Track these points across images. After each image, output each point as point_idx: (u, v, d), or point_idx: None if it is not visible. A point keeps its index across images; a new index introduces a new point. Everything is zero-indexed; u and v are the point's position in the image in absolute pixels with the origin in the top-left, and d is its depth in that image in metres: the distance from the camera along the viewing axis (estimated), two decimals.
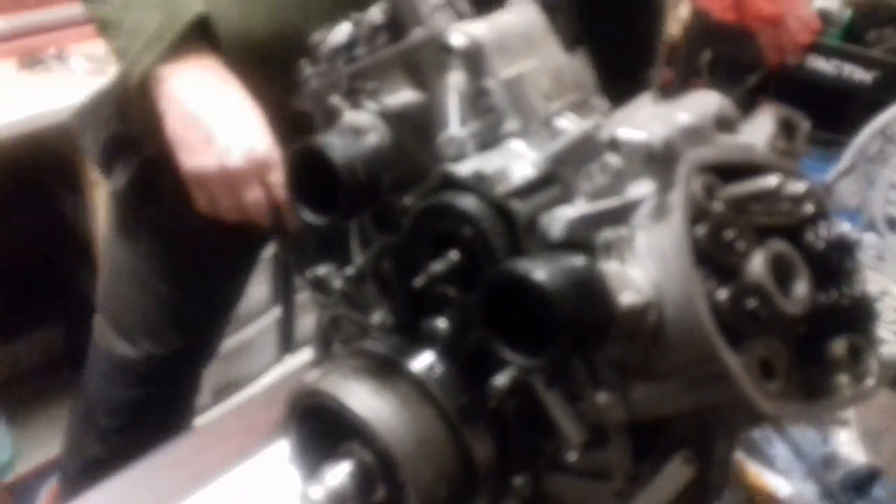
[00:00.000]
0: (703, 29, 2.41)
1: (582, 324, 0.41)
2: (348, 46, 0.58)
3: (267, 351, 2.11)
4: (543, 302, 0.40)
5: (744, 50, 2.31)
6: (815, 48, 2.23)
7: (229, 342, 1.79)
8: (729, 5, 2.29)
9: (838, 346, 0.47)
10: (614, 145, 0.45)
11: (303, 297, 2.16)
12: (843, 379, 0.46)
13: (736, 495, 0.82)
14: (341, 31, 0.59)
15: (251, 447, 0.80)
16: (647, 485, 0.57)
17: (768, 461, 0.88)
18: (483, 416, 0.54)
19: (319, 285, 0.68)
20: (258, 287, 1.96)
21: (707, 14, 2.35)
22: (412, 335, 0.58)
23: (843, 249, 0.48)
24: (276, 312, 2.08)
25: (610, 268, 0.43)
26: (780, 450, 0.89)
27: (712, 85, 2.46)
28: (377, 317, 0.61)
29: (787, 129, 0.51)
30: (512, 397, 0.52)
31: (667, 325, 0.43)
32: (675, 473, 0.61)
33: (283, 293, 2.08)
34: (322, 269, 0.67)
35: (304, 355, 2.16)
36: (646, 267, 0.44)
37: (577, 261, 0.43)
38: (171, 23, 0.78)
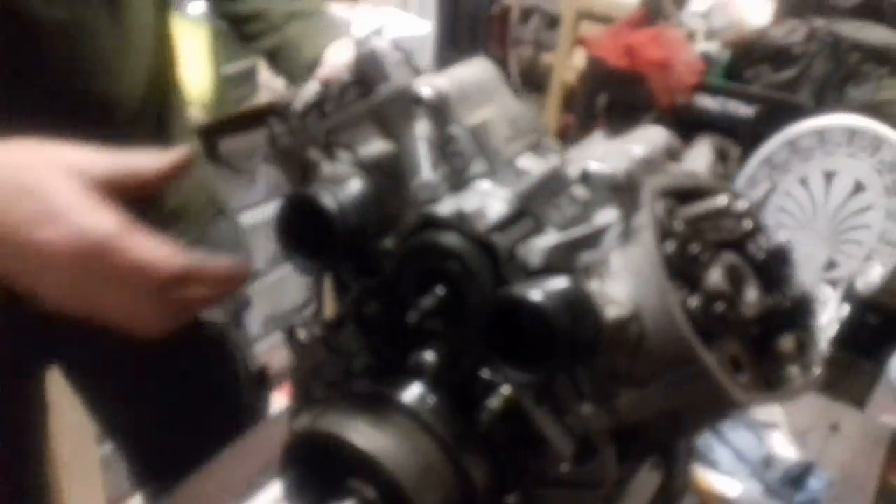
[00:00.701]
0: (599, 75, 2.58)
1: (576, 338, 0.46)
2: (319, 103, 0.62)
3: None
4: (542, 319, 0.45)
5: (637, 92, 2.48)
6: (701, 87, 2.42)
7: None
8: (621, 53, 2.46)
9: (786, 342, 0.53)
10: (585, 178, 0.50)
11: None
12: (793, 370, 0.53)
13: (690, 501, 0.88)
14: (310, 90, 0.63)
15: None
16: (626, 490, 0.62)
17: (713, 465, 0.94)
18: (476, 440, 0.57)
19: (293, 335, 0.70)
20: None
21: (601, 61, 2.52)
22: (398, 373, 0.61)
23: (781, 258, 0.55)
24: None
25: (592, 287, 0.48)
26: (722, 454, 0.96)
27: (610, 126, 2.63)
28: (361, 359, 0.64)
29: (722, 156, 0.58)
30: (502, 420, 0.56)
31: (648, 334, 0.48)
32: (646, 480, 0.66)
33: None
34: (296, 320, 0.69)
35: None
36: (623, 283, 0.49)
37: (564, 282, 0.47)
38: None
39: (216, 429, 0.98)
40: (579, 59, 2.91)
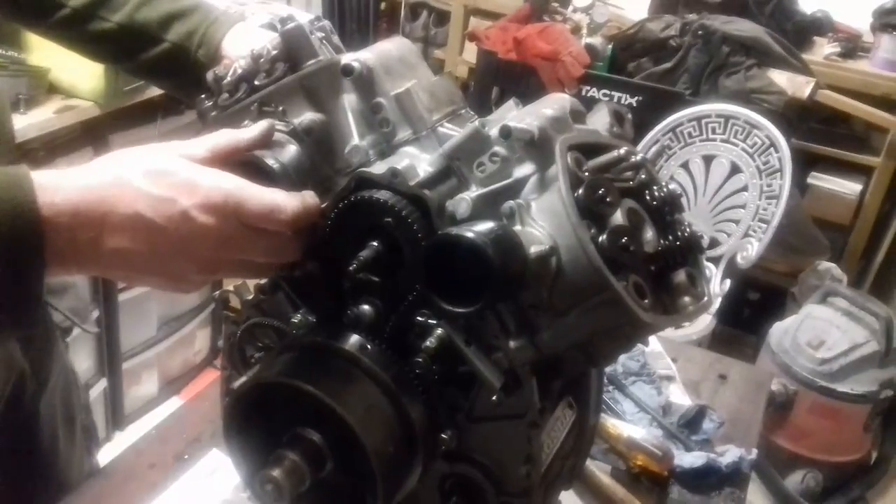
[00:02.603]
0: (490, 69, 2.70)
1: (506, 271, 0.53)
2: (248, 77, 0.67)
3: None
4: (477, 255, 0.52)
5: (527, 84, 2.62)
6: (588, 79, 2.59)
7: None
8: (511, 47, 2.59)
9: (679, 276, 0.63)
10: (506, 134, 0.58)
11: (131, 365, 2.10)
12: (686, 300, 0.63)
13: (600, 446, 0.98)
14: (241, 64, 0.68)
15: (159, 482, 0.83)
16: (546, 421, 0.70)
17: (619, 415, 1.05)
18: (412, 383, 0.64)
19: (225, 303, 0.75)
20: (82, 360, 1.89)
21: (492, 55, 2.65)
22: (334, 327, 0.67)
23: (672, 204, 0.65)
24: (102, 385, 2.00)
25: (515, 229, 0.56)
26: (626, 405, 1.07)
27: None
28: (298, 317, 0.69)
29: (617, 118, 0.67)
30: (435, 361, 0.63)
31: (564, 268, 0.56)
32: (562, 416, 0.75)
33: (109, 364, 2.00)
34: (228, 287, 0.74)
35: (136, 431, 2.09)
36: (541, 226, 0.57)
37: (492, 224, 0.55)
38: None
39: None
40: (469, 53, 3.04)
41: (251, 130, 0.63)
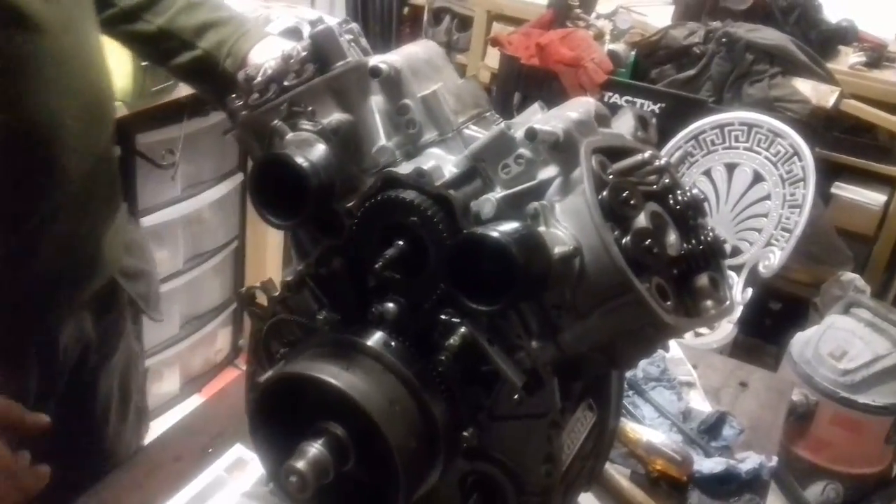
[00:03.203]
0: (513, 74, 2.71)
1: (530, 271, 0.54)
2: (279, 78, 0.69)
3: None
4: (502, 254, 0.53)
5: (549, 90, 2.63)
6: (610, 85, 2.59)
7: None
8: (533, 53, 2.60)
9: (702, 280, 0.64)
10: (531, 136, 0.59)
11: (154, 362, 2.12)
12: (708, 303, 0.63)
13: (619, 450, 0.98)
14: (271, 65, 0.69)
15: (184, 474, 0.85)
16: (567, 422, 0.71)
17: (638, 420, 1.05)
18: (435, 380, 0.65)
19: (251, 299, 0.76)
20: None
21: (515, 61, 2.65)
22: (358, 324, 0.68)
23: (696, 208, 0.65)
24: None
25: (540, 230, 0.57)
26: (646, 410, 1.08)
27: None
28: (323, 314, 0.70)
29: (642, 123, 0.68)
30: (458, 359, 0.64)
31: (587, 269, 0.57)
32: (582, 417, 0.75)
33: None
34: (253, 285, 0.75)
35: (157, 428, 2.13)
36: (565, 227, 0.58)
37: (517, 224, 0.56)
38: None
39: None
40: (491, 59, 3.05)
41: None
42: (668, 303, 0.58)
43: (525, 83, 2.66)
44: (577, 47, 2.53)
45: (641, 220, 0.59)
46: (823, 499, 2.16)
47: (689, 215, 0.65)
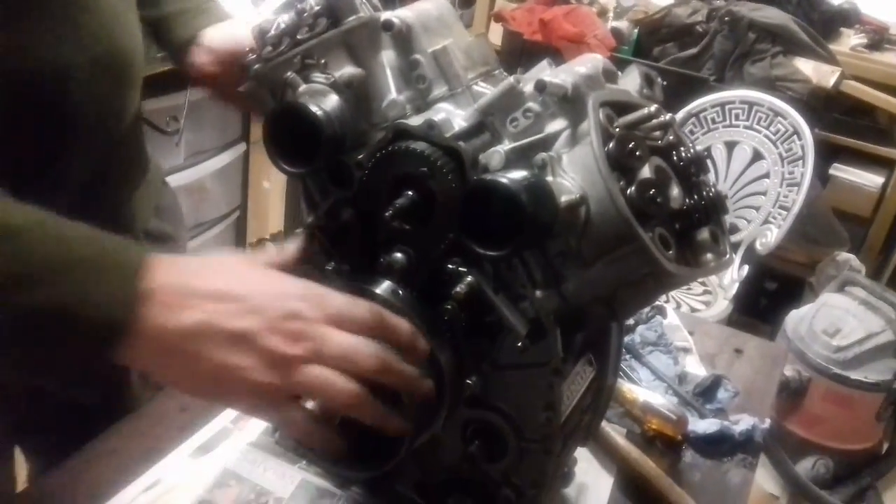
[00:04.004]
0: (515, 50, 2.71)
1: (538, 217, 0.56)
2: (292, 32, 0.70)
3: None
4: (511, 200, 0.55)
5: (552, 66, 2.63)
6: (612, 62, 2.58)
7: None
8: (536, 29, 2.61)
9: (703, 234, 0.65)
10: (540, 88, 0.61)
11: None
12: (709, 256, 0.65)
13: (616, 410, 1.01)
14: (284, 19, 0.70)
15: (188, 425, 0.87)
16: (567, 373, 0.73)
17: (635, 383, 1.07)
18: (442, 328, 0.67)
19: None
20: None
21: (518, 36, 2.66)
22: (368, 274, 0.70)
23: (698, 165, 0.67)
24: None
25: (547, 179, 0.59)
26: (643, 373, 1.10)
27: None
28: (332, 265, 0.72)
29: (648, 81, 0.70)
30: (464, 308, 0.66)
31: (593, 218, 0.59)
32: (582, 371, 0.77)
33: None
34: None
35: None
36: (572, 177, 0.59)
37: (525, 173, 0.58)
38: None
39: None
40: (495, 35, 3.05)
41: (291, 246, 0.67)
42: (670, 252, 0.60)
43: (528, 59, 2.67)
44: (581, 24, 2.54)
45: (646, 171, 0.61)
46: (814, 473, 2.20)
47: (692, 171, 0.67)
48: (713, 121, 2.37)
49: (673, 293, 2.23)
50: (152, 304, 0.55)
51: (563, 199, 0.58)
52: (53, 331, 0.53)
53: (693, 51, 2.65)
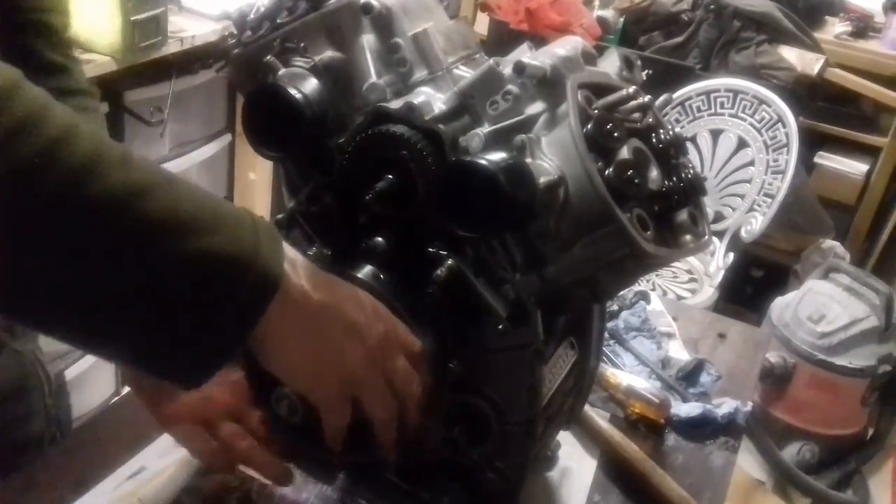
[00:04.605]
0: (501, 39, 2.71)
1: (517, 198, 0.56)
2: (272, 15, 0.70)
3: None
4: (490, 182, 0.55)
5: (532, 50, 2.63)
6: (598, 52, 2.59)
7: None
8: (523, 18, 2.60)
9: (682, 216, 0.66)
10: (519, 70, 0.61)
11: None
12: (687, 238, 0.65)
13: (599, 394, 1.01)
14: (264, 3, 0.70)
15: None
16: (549, 355, 0.73)
17: (619, 368, 1.08)
18: (424, 312, 0.67)
19: None
20: None
21: (504, 26, 2.65)
22: (348, 259, 0.70)
23: (677, 147, 0.67)
24: None
25: (527, 160, 0.59)
26: (626, 358, 1.10)
27: None
28: (314, 250, 0.72)
29: (627, 63, 0.70)
30: (446, 292, 0.66)
31: (571, 198, 0.59)
32: (564, 355, 0.78)
33: None
34: None
35: None
36: (550, 159, 0.60)
37: (504, 154, 0.58)
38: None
39: None
40: (481, 25, 3.04)
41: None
42: (648, 233, 0.60)
43: (514, 48, 2.67)
44: (567, 13, 2.54)
45: (624, 153, 0.61)
46: (799, 459, 2.22)
47: (671, 154, 0.67)
48: (698, 109, 2.38)
49: (658, 281, 2.24)
50: (294, 272, 0.55)
51: (542, 180, 0.58)
52: (219, 279, 0.50)
53: (679, 39, 2.65)
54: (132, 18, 1.62)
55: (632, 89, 0.64)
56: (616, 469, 0.90)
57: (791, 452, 2.24)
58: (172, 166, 2.05)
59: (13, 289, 0.47)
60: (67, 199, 0.46)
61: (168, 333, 0.50)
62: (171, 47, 1.80)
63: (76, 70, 0.87)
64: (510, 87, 0.63)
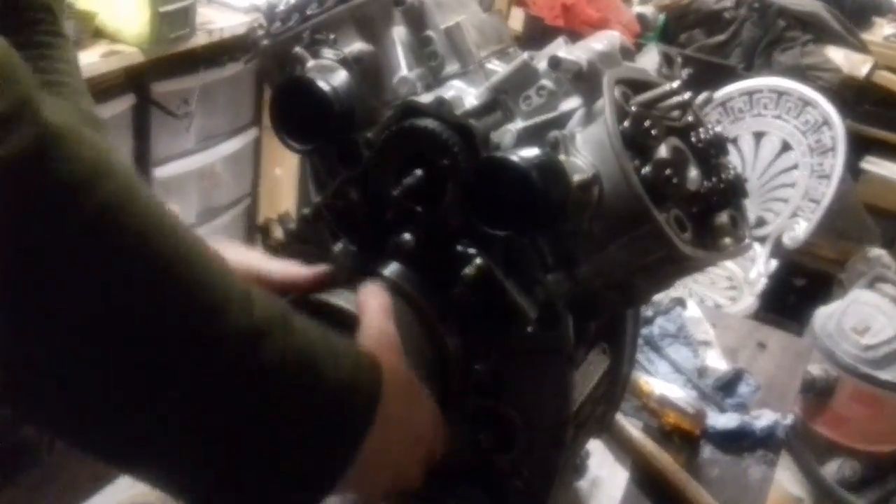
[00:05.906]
0: (537, 35, 2.70)
1: (549, 196, 0.55)
2: (301, 7, 0.70)
3: None
4: (522, 179, 0.54)
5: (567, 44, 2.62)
6: (637, 49, 2.57)
7: None
8: (559, 13, 2.60)
9: (721, 218, 0.65)
10: (554, 65, 0.60)
11: None
12: (727, 241, 0.64)
13: (632, 402, 1.00)
14: None
15: None
16: (581, 361, 0.73)
17: (653, 375, 1.07)
18: (451, 312, 0.67)
19: (265, 232, 0.78)
20: None
21: (539, 21, 2.65)
22: (375, 255, 0.70)
23: (718, 146, 0.66)
24: None
25: (560, 158, 0.58)
26: (661, 366, 1.09)
27: None
28: (339, 245, 0.72)
29: (667, 60, 0.69)
30: (474, 291, 0.65)
31: (606, 197, 0.58)
32: (596, 360, 0.77)
33: None
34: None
35: None
36: (585, 156, 0.59)
37: (538, 150, 0.57)
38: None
39: None
40: (515, 20, 3.04)
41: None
42: (686, 234, 0.59)
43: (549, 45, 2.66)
44: (605, 9, 2.52)
45: (662, 151, 0.60)
46: (840, 476, 2.18)
47: (712, 153, 0.66)
48: (740, 110, 2.35)
49: (696, 288, 2.21)
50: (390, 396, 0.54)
51: (576, 177, 0.57)
52: (325, 420, 0.49)
53: (721, 38, 2.62)
54: (161, 10, 1.64)
55: (671, 85, 0.63)
56: (648, 480, 0.90)
57: (831, 469, 2.20)
58: (198, 160, 2.08)
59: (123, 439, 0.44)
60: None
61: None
62: (200, 39, 1.83)
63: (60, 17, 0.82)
64: (544, 81, 0.63)
